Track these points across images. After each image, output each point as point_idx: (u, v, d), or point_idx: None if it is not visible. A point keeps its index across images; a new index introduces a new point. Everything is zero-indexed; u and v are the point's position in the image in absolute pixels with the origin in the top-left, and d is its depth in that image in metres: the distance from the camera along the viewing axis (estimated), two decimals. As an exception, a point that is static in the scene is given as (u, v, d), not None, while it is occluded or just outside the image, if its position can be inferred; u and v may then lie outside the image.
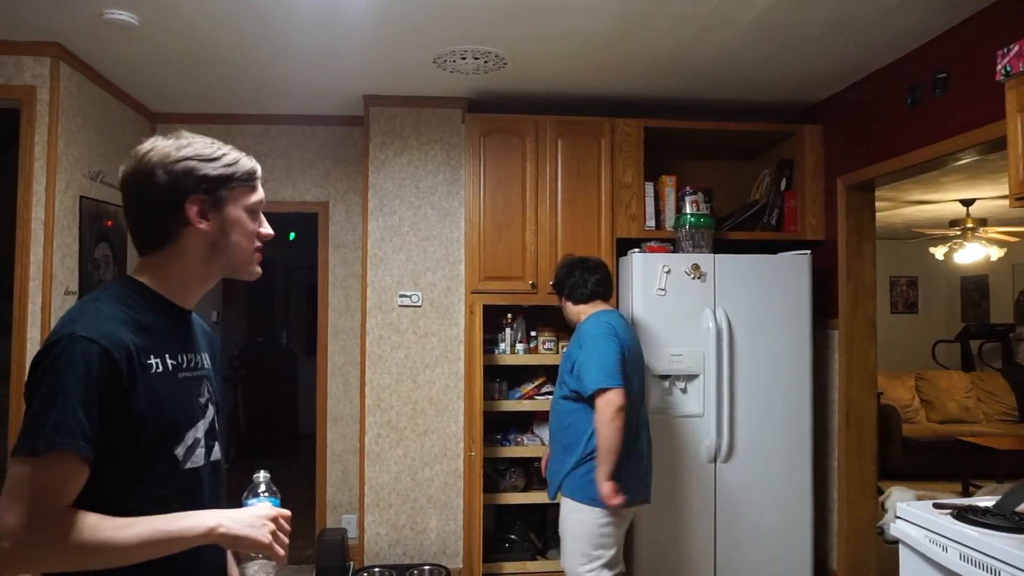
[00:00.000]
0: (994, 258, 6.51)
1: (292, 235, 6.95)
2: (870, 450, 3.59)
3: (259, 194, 1.25)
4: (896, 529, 2.02)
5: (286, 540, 1.15)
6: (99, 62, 3.36)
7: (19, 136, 3.12)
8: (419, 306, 3.85)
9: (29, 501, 0.95)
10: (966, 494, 5.73)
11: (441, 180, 3.89)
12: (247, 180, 1.22)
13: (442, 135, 3.89)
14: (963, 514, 1.85)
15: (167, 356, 1.14)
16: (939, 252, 6.66)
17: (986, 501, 1.93)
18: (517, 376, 3.72)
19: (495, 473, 3.65)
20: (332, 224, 4.29)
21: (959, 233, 6.21)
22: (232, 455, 5.85)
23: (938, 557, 1.83)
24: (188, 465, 1.15)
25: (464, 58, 3.25)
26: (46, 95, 3.12)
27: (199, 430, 1.18)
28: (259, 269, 1.28)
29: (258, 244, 1.25)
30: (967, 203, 5.90)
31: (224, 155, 1.20)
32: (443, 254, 3.88)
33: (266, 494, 1.21)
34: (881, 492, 3.86)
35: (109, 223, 3.65)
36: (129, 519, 1.02)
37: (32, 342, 3.08)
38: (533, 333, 3.69)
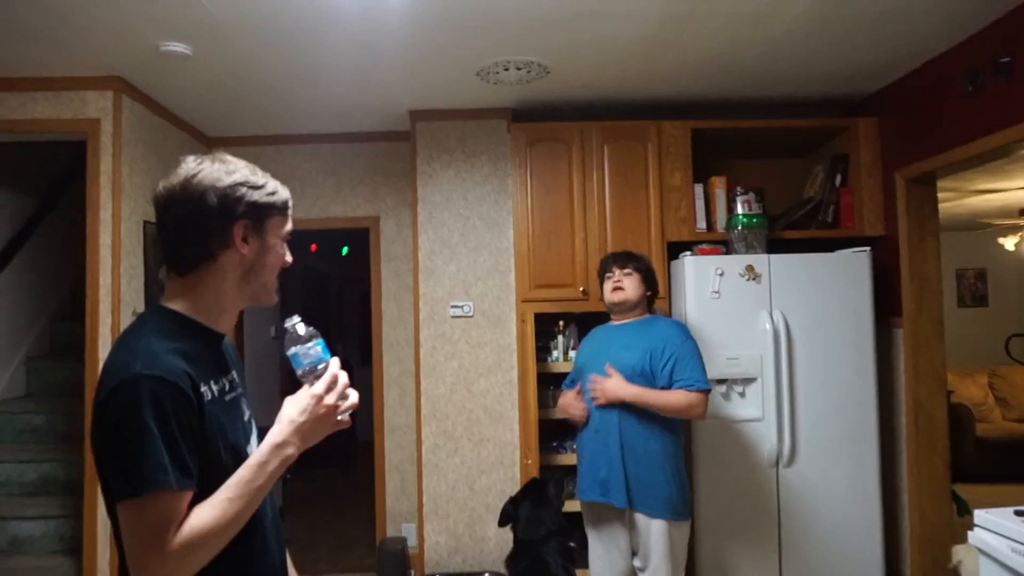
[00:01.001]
0: (1069, 246, 6.18)
1: (345, 249, 7.08)
2: (941, 452, 3.44)
3: (290, 224, 1.28)
4: (975, 537, 1.93)
5: (349, 394, 1.20)
6: (157, 92, 3.50)
7: (85, 166, 3.27)
8: (471, 316, 3.88)
9: (151, 539, 1.01)
10: (1048, 496, 5.44)
11: (488, 190, 3.91)
12: (284, 209, 1.26)
13: (488, 146, 3.91)
14: (1046, 521, 1.76)
15: (212, 382, 1.16)
16: (1009, 242, 6.36)
17: (1071, 507, 1.83)
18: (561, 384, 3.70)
19: (551, 482, 3.64)
20: (383, 238, 4.36)
21: (1030, 221, 5.93)
22: (294, 465, 5.98)
23: (1021, 567, 1.74)
24: None
25: (507, 69, 3.27)
26: (109, 126, 3.26)
27: (252, 446, 1.22)
28: (276, 297, 1.29)
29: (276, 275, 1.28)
30: (1038, 190, 5.62)
31: (267, 183, 1.23)
32: (493, 264, 3.90)
33: (306, 340, 1.20)
34: (962, 505, 3.67)
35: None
36: (211, 497, 1.07)
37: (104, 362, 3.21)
38: (580, 343, 3.66)
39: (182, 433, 1.04)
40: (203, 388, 1.11)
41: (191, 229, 1.16)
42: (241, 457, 1.15)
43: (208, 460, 1.09)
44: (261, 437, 1.18)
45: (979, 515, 1.94)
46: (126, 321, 3.32)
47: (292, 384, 1.22)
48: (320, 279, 7.66)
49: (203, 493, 1.06)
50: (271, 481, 1.12)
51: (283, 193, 1.26)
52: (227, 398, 1.19)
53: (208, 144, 4.29)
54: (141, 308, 3.47)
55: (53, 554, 3.39)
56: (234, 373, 1.27)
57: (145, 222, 3.51)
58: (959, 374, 6.31)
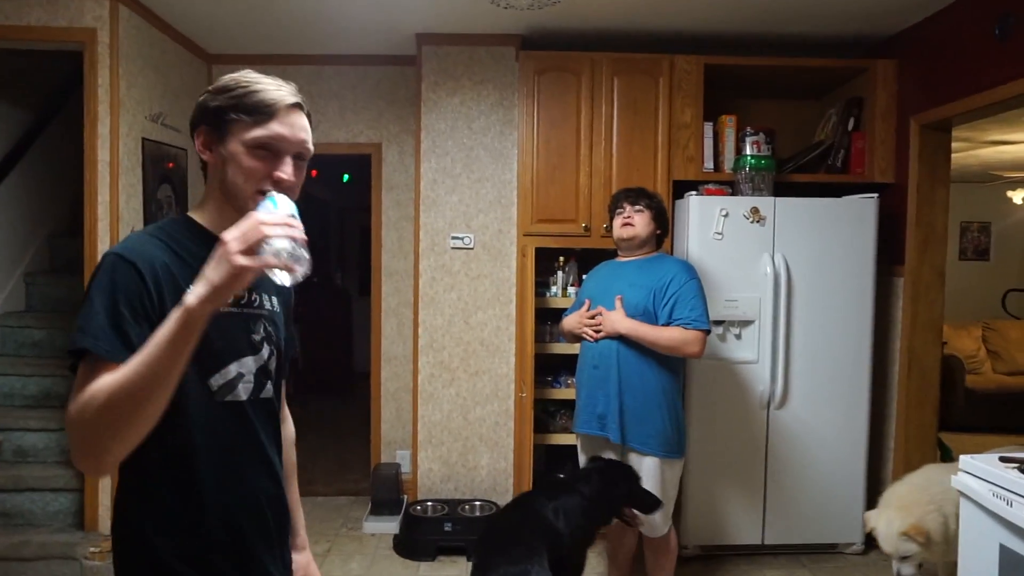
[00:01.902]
0: (1078, 203, 6.12)
1: (346, 177, 7.00)
2: (932, 401, 3.49)
3: (265, 129, 1.12)
4: (958, 482, 1.97)
5: (279, 231, 0.99)
6: (156, 3, 3.38)
7: (83, 79, 3.18)
8: (471, 248, 3.86)
9: (73, 394, 1.02)
10: (1031, 448, 5.56)
11: (494, 120, 3.83)
12: (251, 112, 1.13)
13: (495, 74, 3.81)
14: (1030, 468, 1.79)
15: None
16: (1018, 196, 6.30)
17: (1055, 456, 1.86)
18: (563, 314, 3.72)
19: (545, 414, 3.70)
20: (385, 166, 4.29)
21: (1041, 176, 5.85)
22: (291, 391, 6.09)
23: (1002, 511, 1.78)
24: (228, 397, 1.16)
25: (518, -7, 3.15)
26: (106, 37, 3.16)
27: (245, 365, 1.19)
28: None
29: (264, 187, 1.12)
30: (1052, 144, 5.53)
31: (239, 87, 1.14)
32: (495, 196, 3.85)
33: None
34: (946, 451, 3.74)
35: (171, 164, 3.74)
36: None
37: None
38: (584, 276, 3.66)
39: (130, 308, 1.05)
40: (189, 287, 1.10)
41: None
42: (218, 364, 1.15)
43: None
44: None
45: (964, 460, 1.97)
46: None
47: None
48: (321, 207, 7.60)
49: None
50: (174, 344, 0.97)
51: (260, 96, 1.13)
52: (226, 309, 1.17)
53: (209, 61, 4.17)
54: (140, 226, 3.45)
55: (56, 464, 3.47)
56: (265, 296, 1.26)
57: (144, 139, 3.45)
58: (954, 326, 6.35)
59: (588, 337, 2.72)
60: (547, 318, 3.65)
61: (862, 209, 3.41)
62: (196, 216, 1.21)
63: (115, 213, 3.22)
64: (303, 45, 4.02)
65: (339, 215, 8.19)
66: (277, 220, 1.01)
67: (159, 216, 3.62)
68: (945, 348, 5.83)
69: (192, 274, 1.06)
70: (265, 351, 1.24)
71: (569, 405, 3.67)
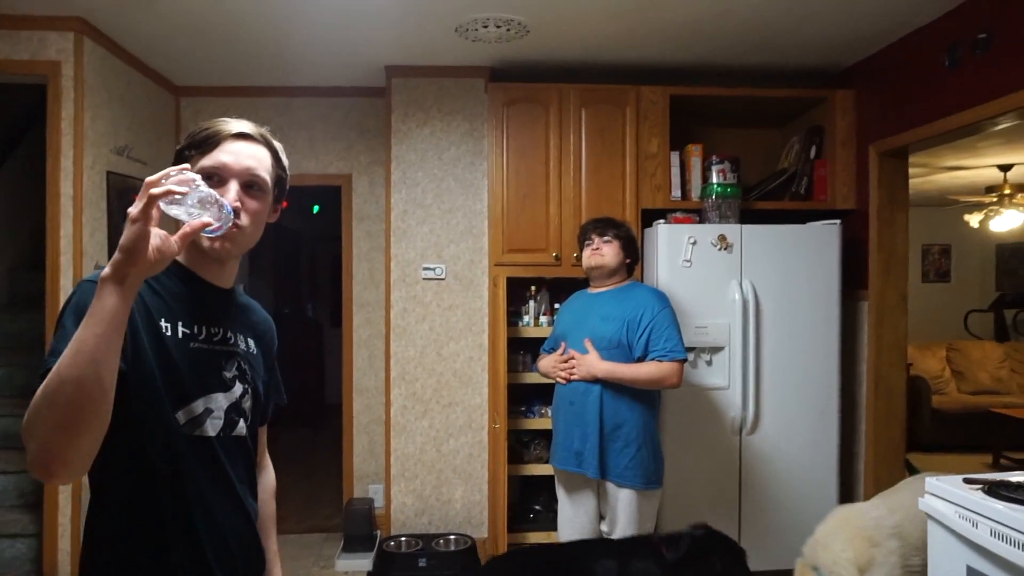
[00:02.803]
0: (1032, 225, 6.32)
1: (316, 208, 6.97)
2: (899, 422, 3.54)
3: (211, 158, 1.16)
4: (925, 504, 1.99)
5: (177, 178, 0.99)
6: (122, 36, 3.37)
7: (45, 112, 3.14)
8: (443, 279, 3.85)
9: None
10: (997, 466, 5.66)
11: (464, 151, 3.86)
12: (201, 144, 1.18)
13: (465, 105, 3.85)
14: (995, 489, 1.82)
15: (180, 324, 1.16)
16: (974, 219, 6.48)
17: (1018, 476, 1.89)
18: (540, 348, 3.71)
19: (519, 445, 3.68)
20: (356, 196, 4.29)
21: (996, 200, 6.04)
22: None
23: (968, 533, 1.80)
24: (195, 432, 1.15)
25: (487, 26, 3.20)
26: (71, 70, 3.13)
27: (214, 401, 1.18)
28: (219, 243, 1.15)
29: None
30: (1005, 168, 5.72)
31: (200, 128, 1.20)
32: (466, 226, 3.86)
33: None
34: (914, 473, 3.79)
35: (135, 197, 3.68)
36: None
37: (65, 315, 3.13)
38: (556, 305, 3.67)
39: None
40: (163, 322, 1.14)
41: None
42: (183, 399, 1.14)
43: (137, 376, 1.08)
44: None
45: (930, 482, 1.99)
46: (88, 272, 3.23)
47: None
48: (291, 238, 7.54)
49: (126, 400, 1.04)
50: (96, 321, 0.94)
51: (213, 128, 1.19)
52: (195, 345, 1.17)
53: (176, 93, 4.15)
54: (104, 261, 3.38)
55: (13, 508, 3.35)
56: (240, 336, 1.26)
57: (109, 172, 3.40)
58: (919, 348, 6.48)
59: (561, 380, 2.73)
60: (519, 347, 3.65)
61: (826, 235, 3.48)
62: (180, 256, 1.20)
63: (78, 247, 3.16)
64: (272, 77, 4.02)
65: (310, 246, 8.14)
66: (171, 180, 0.99)
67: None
68: (911, 369, 5.95)
69: (165, 308, 1.10)
70: (238, 389, 1.23)
71: (543, 435, 3.65)
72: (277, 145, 1.27)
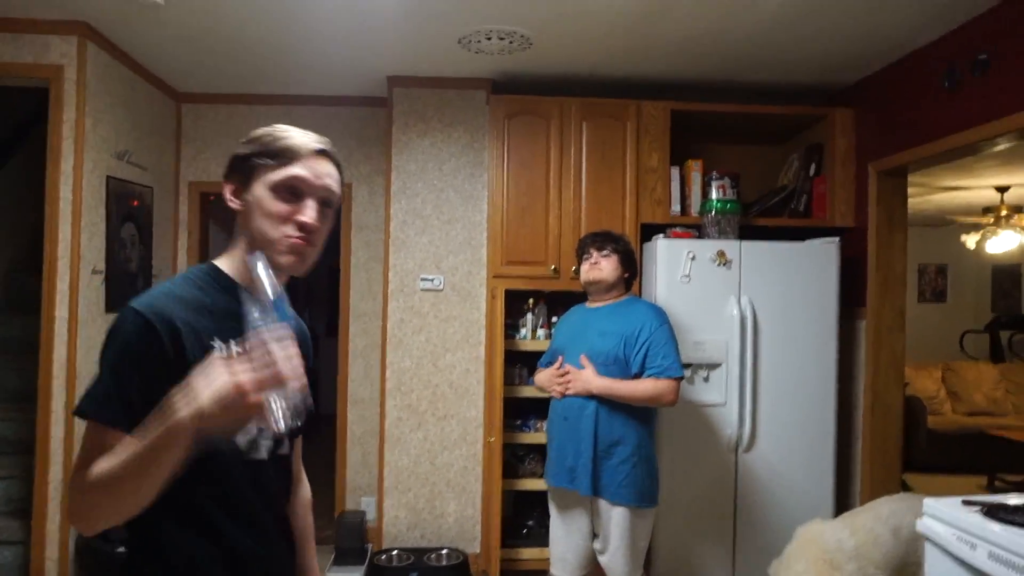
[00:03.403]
0: (1028, 247, 6.34)
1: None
2: (895, 441, 3.53)
3: (289, 171, 1.13)
4: (923, 525, 1.98)
5: (282, 360, 0.91)
6: (125, 41, 3.37)
7: (47, 115, 3.14)
8: (440, 290, 3.84)
9: (77, 461, 1.02)
10: (992, 488, 5.64)
11: (464, 162, 3.86)
12: (275, 156, 1.14)
13: (466, 117, 3.86)
14: (993, 511, 1.81)
15: (233, 342, 1.06)
16: (971, 240, 6.50)
17: (1017, 499, 1.88)
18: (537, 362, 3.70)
19: (514, 459, 3.66)
20: (355, 206, 4.28)
21: (992, 220, 6.07)
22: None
23: (966, 556, 1.79)
24: (253, 456, 1.13)
25: (489, 38, 3.21)
26: (73, 74, 3.13)
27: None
28: (290, 258, 1.13)
29: (287, 231, 1.12)
30: (1002, 190, 5.76)
31: (268, 135, 1.16)
32: (465, 237, 3.86)
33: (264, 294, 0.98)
34: (907, 489, 3.79)
35: (135, 203, 3.68)
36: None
37: (60, 320, 3.12)
38: (554, 319, 3.66)
39: (140, 372, 1.02)
40: (215, 342, 1.06)
41: None
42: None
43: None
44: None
45: (927, 504, 1.98)
46: (85, 279, 3.22)
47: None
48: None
49: None
50: (157, 453, 0.93)
51: (285, 141, 1.15)
52: None
53: (178, 100, 4.15)
54: (102, 266, 3.37)
55: (0, 515, 3.31)
56: None
57: (109, 177, 3.39)
58: (915, 368, 6.48)
59: (556, 395, 2.71)
60: (516, 360, 3.63)
61: (825, 252, 3.48)
62: (222, 264, 1.19)
63: (76, 251, 3.14)
64: (274, 85, 4.03)
65: (307, 254, 8.12)
66: (292, 362, 0.92)
67: (122, 255, 3.54)
68: (907, 389, 5.94)
69: (216, 326, 1.08)
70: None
71: (538, 449, 3.63)
72: (342, 163, 1.25)
